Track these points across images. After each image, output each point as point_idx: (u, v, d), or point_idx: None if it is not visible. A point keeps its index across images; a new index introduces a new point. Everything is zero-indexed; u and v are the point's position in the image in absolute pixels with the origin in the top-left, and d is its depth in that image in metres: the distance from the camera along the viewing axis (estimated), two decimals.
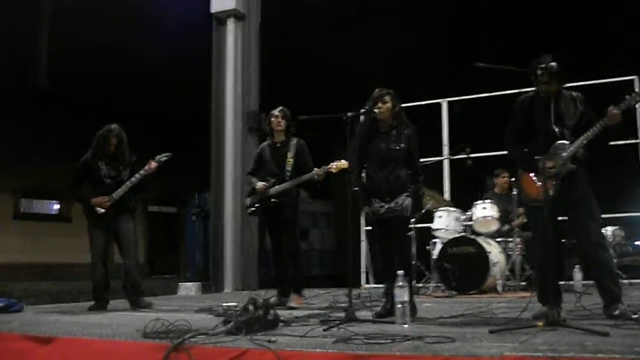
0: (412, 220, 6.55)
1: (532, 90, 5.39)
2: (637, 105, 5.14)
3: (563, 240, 5.65)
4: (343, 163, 6.82)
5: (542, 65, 5.02)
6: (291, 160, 7.18)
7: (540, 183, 5.15)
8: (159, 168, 7.46)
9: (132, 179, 7.38)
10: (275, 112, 7.34)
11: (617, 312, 4.93)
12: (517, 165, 5.52)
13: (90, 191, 7.45)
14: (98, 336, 4.79)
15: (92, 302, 7.45)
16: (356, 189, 5.94)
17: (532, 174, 5.26)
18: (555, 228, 5.21)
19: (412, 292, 5.79)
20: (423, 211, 9.18)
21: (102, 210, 7.38)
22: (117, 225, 7.45)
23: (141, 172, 7.38)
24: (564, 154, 5.13)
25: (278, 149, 7.33)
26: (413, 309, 5.64)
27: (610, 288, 5.09)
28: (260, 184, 7.27)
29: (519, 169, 5.48)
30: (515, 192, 8.81)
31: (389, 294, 5.82)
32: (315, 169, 7.05)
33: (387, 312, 5.71)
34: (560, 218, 5.36)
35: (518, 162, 5.47)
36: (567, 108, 5.25)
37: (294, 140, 7.30)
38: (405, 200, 5.76)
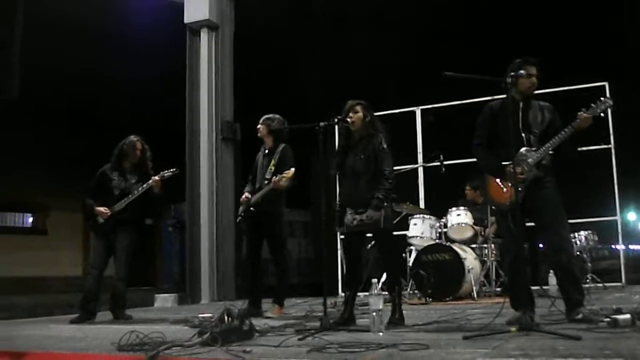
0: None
1: (500, 98, 5.45)
2: (602, 114, 5.19)
3: (541, 246, 5.72)
4: (289, 172, 6.88)
5: (512, 73, 5.09)
6: (272, 167, 7.19)
7: (506, 189, 5.22)
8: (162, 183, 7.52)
9: (135, 192, 7.45)
10: (262, 120, 7.40)
11: (579, 317, 5.01)
12: (483, 170, 5.57)
13: (99, 201, 7.53)
14: (72, 350, 4.77)
15: (76, 315, 7.42)
16: (337, 208, 6.01)
17: (498, 180, 5.33)
18: (524, 233, 5.27)
19: (400, 301, 5.82)
20: (399, 218, 9.23)
21: (102, 220, 7.45)
22: (115, 238, 7.49)
23: (144, 185, 7.45)
24: (530, 160, 5.20)
25: (266, 155, 7.38)
26: (400, 318, 5.68)
27: (571, 293, 5.16)
28: (244, 196, 7.34)
29: (485, 175, 5.53)
30: None
31: (348, 303, 5.86)
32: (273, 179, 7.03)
33: (344, 321, 5.72)
34: (528, 224, 5.44)
35: (485, 167, 5.53)
36: (535, 116, 5.34)
37: (281, 147, 7.31)
38: (375, 213, 5.74)
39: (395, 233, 9.34)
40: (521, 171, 5.18)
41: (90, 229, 7.74)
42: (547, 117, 5.35)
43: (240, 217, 7.42)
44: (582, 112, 5.12)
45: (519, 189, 5.12)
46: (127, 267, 7.50)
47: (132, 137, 7.68)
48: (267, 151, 7.38)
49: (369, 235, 6.12)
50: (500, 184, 5.32)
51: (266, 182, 7.16)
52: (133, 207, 7.50)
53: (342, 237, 6.13)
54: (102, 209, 7.46)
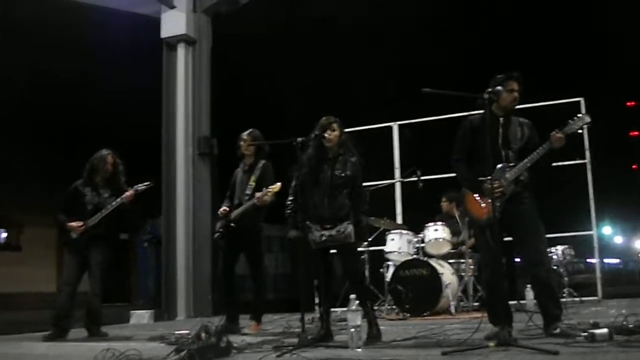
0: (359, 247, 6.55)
1: (479, 113, 5.47)
2: (579, 131, 5.22)
3: (517, 260, 5.73)
4: (275, 186, 6.86)
5: (489, 89, 5.12)
6: (253, 183, 7.16)
7: (484, 204, 5.23)
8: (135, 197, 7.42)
9: (108, 206, 7.32)
10: (244, 135, 7.33)
11: (557, 331, 5.02)
12: (461, 185, 5.58)
13: (71, 216, 7.40)
14: None
15: (49, 332, 7.26)
16: (289, 211, 5.98)
17: (476, 195, 5.33)
18: (502, 248, 5.28)
19: (374, 317, 5.79)
20: (371, 238, 9.22)
21: (75, 236, 7.34)
22: (88, 254, 7.35)
23: (118, 200, 7.33)
24: (508, 176, 5.22)
25: (246, 171, 7.34)
26: (378, 333, 5.66)
27: (549, 308, 5.17)
28: (222, 209, 7.30)
29: (463, 189, 5.54)
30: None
31: (323, 319, 5.84)
32: (257, 194, 6.98)
33: (321, 338, 5.69)
34: (506, 239, 5.44)
35: (464, 181, 5.53)
36: (514, 132, 5.36)
37: (261, 163, 7.28)
38: (347, 227, 5.73)
39: (371, 248, 9.48)
40: (499, 186, 5.20)
41: (64, 245, 7.62)
42: (526, 133, 5.39)
43: (218, 233, 7.38)
44: (554, 133, 5.13)
45: (497, 204, 5.14)
46: (102, 283, 7.36)
47: (104, 151, 7.55)
48: (247, 167, 7.35)
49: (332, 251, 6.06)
50: (478, 199, 5.33)
51: (247, 197, 7.13)
52: (107, 222, 7.38)
53: (311, 254, 6.06)
54: (75, 224, 7.35)
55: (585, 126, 5.23)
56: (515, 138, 5.35)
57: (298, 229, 5.94)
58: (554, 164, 5.44)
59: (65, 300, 7.28)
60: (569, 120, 5.19)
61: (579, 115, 5.25)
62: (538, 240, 5.28)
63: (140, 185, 7.44)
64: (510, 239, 5.49)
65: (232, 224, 7.20)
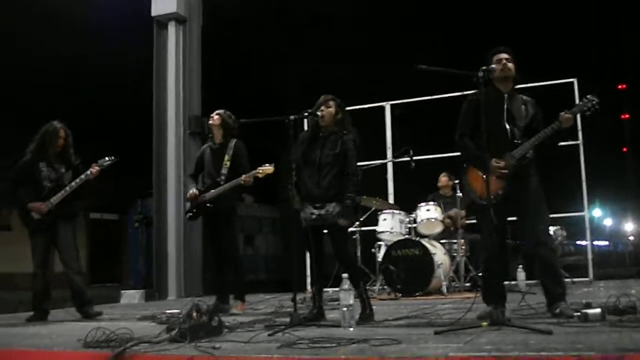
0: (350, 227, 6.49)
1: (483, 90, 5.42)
2: (587, 113, 5.18)
3: (508, 241, 5.71)
4: (268, 168, 6.81)
5: (484, 67, 5.06)
6: (227, 162, 7.09)
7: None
8: (101, 173, 7.15)
9: (72, 183, 7.03)
10: (214, 113, 7.28)
11: (557, 311, 5.01)
12: (467, 161, 5.53)
13: (29, 195, 7.07)
14: (36, 347, 4.66)
15: (31, 313, 7.17)
16: (289, 187, 5.93)
17: (480, 172, 5.27)
18: (503, 228, 5.26)
19: (367, 296, 5.78)
20: (362, 218, 9.21)
21: (37, 216, 7.04)
22: (55, 233, 7.09)
23: (82, 176, 7.03)
24: (514, 153, 5.18)
25: (216, 150, 7.26)
26: (371, 313, 5.65)
27: (552, 287, 5.16)
28: (191, 192, 7.19)
29: (466, 165, 5.50)
30: (459, 194, 8.91)
31: (316, 299, 5.83)
32: (244, 175, 6.91)
33: (314, 317, 5.67)
34: (509, 218, 5.41)
35: (469, 157, 5.47)
36: (518, 109, 5.31)
37: (233, 142, 7.20)
38: (336, 208, 5.68)
39: (364, 228, 9.46)
40: (505, 164, 5.16)
41: (26, 226, 7.19)
42: (530, 111, 5.34)
43: (190, 214, 7.31)
44: (563, 113, 5.09)
45: (503, 182, 5.12)
46: (77, 260, 7.19)
47: (56, 124, 7.21)
48: (216, 146, 7.28)
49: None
50: (483, 176, 5.27)
51: (222, 177, 7.07)
52: (70, 199, 7.09)
53: (303, 232, 6.03)
54: (37, 204, 7.01)
55: (593, 108, 5.16)
56: (520, 115, 5.30)
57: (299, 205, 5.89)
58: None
59: (41, 283, 7.09)
60: (579, 102, 5.16)
61: (588, 96, 5.19)
62: (541, 219, 5.24)
63: (104, 160, 7.13)
64: (513, 218, 5.46)
65: (208, 204, 7.12)
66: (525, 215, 5.29)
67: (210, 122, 7.28)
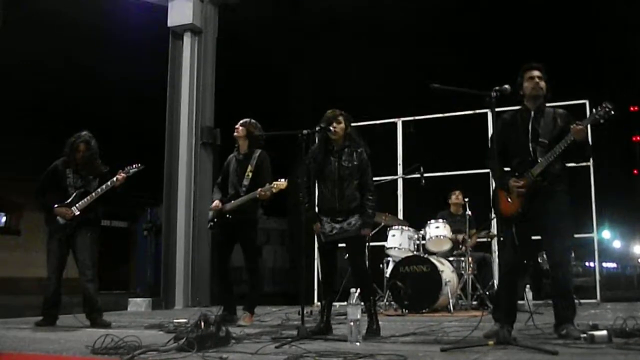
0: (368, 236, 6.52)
1: (514, 109, 5.44)
2: (601, 121, 5.12)
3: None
4: (282, 183, 6.82)
5: (497, 88, 5.08)
6: (250, 174, 7.11)
7: (512, 200, 5.20)
8: (127, 180, 7.17)
9: (98, 190, 7.10)
10: (239, 123, 7.29)
11: (564, 332, 5.01)
12: (494, 181, 5.55)
13: (55, 200, 7.15)
14: (45, 352, 4.70)
15: (40, 318, 7.20)
16: (307, 204, 5.96)
17: (505, 193, 5.28)
18: (524, 246, 5.23)
19: (376, 312, 5.80)
20: (372, 233, 9.22)
21: (63, 221, 7.11)
22: (75, 239, 7.15)
23: (108, 183, 7.09)
24: (532, 170, 5.18)
25: (241, 161, 7.28)
26: (377, 329, 5.66)
27: (561, 308, 5.16)
28: (215, 203, 7.23)
29: (496, 186, 5.51)
30: (469, 213, 8.93)
31: (324, 312, 5.85)
32: (260, 189, 6.90)
33: (321, 330, 5.69)
34: (533, 237, 5.40)
35: (495, 178, 5.53)
36: (546, 125, 5.28)
37: (257, 152, 7.22)
38: (358, 220, 5.77)
39: (372, 244, 9.47)
40: (524, 183, 5.18)
41: (51, 231, 7.24)
42: (559, 123, 5.28)
43: (211, 224, 7.34)
44: (574, 125, 5.06)
45: (522, 200, 5.14)
46: (93, 268, 7.17)
47: (78, 137, 7.23)
48: (241, 156, 7.30)
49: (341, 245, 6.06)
50: (507, 196, 5.29)
51: (244, 189, 7.10)
52: (95, 206, 7.18)
53: (318, 246, 6.07)
54: (63, 209, 7.09)
55: (607, 117, 5.09)
56: (546, 131, 5.25)
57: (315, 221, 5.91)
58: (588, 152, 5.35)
59: (53, 289, 7.14)
60: (593, 110, 5.11)
61: (602, 104, 5.07)
62: (559, 238, 5.18)
63: (131, 167, 7.18)
64: (536, 238, 5.44)
65: (228, 215, 7.16)
66: (545, 234, 5.27)
67: (235, 134, 7.28)
